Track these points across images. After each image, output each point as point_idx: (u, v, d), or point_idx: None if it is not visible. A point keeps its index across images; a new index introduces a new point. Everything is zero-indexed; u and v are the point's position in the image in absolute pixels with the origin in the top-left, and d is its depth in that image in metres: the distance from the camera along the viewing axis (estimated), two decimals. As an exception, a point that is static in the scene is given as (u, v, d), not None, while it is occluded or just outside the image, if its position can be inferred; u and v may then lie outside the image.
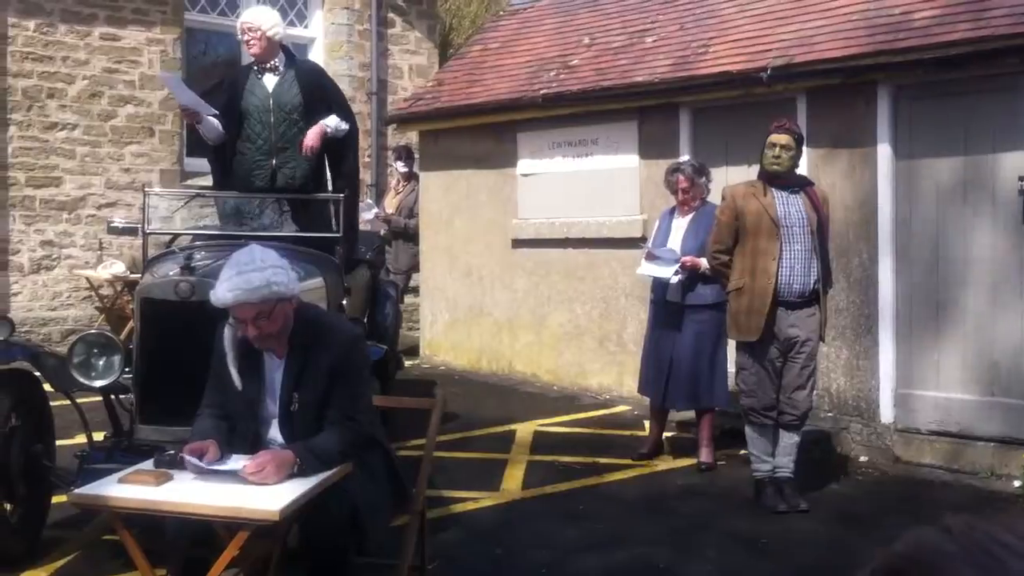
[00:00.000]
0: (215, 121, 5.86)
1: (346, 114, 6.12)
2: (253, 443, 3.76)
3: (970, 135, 6.74)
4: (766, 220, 5.71)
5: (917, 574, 0.60)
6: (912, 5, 7.08)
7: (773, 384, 5.80)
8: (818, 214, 5.76)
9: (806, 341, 5.76)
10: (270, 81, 5.94)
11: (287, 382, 3.75)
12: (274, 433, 3.80)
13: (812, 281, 5.75)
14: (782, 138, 5.74)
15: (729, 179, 7.23)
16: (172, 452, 3.67)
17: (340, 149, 6.13)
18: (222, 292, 3.59)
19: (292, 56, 6.14)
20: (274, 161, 5.87)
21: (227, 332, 3.77)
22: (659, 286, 6.74)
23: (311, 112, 5.91)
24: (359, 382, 3.82)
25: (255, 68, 5.98)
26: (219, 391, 3.84)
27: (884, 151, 7.09)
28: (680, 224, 6.74)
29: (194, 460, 3.50)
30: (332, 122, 5.92)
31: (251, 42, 5.88)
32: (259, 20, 5.88)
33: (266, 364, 3.80)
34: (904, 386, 7.06)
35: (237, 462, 3.54)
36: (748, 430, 5.96)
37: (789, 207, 5.75)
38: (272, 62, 5.93)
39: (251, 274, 3.56)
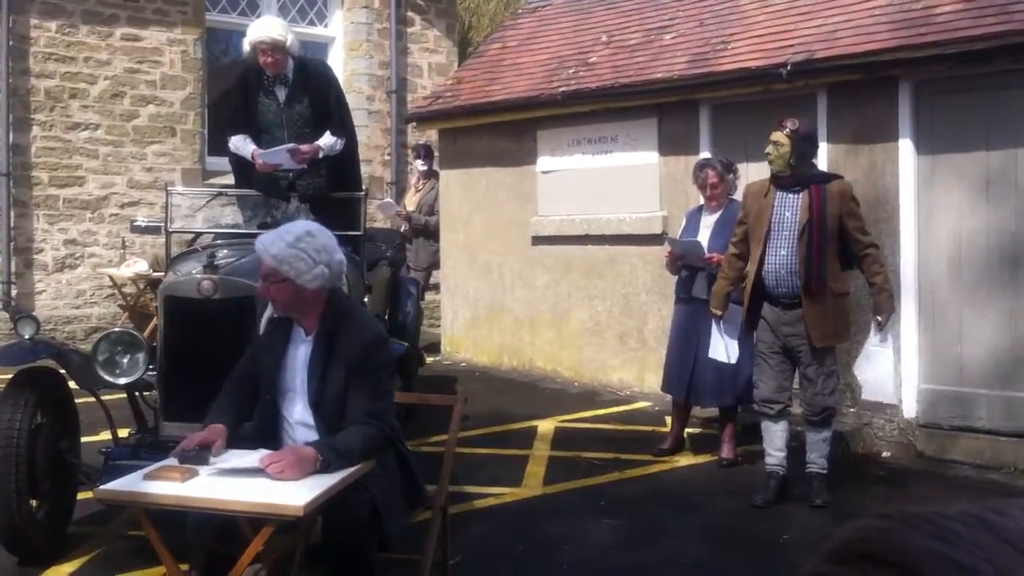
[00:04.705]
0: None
1: (344, 127, 6.06)
2: (271, 415, 3.84)
3: (992, 129, 6.70)
4: (760, 224, 5.73)
5: (875, 545, 0.64)
6: (934, -1, 7.05)
7: (777, 377, 5.82)
8: (812, 214, 5.59)
9: (801, 345, 5.73)
10: (280, 93, 5.88)
11: (316, 360, 3.79)
12: (290, 407, 3.84)
13: (798, 284, 5.67)
14: (776, 135, 5.68)
15: (749, 175, 7.20)
16: (196, 448, 3.70)
17: (341, 158, 6.10)
18: (260, 239, 3.81)
19: (297, 58, 5.96)
20: (291, 174, 5.89)
21: (269, 308, 4.03)
22: (683, 284, 6.74)
23: (321, 120, 5.91)
24: (384, 380, 3.84)
25: (266, 78, 5.86)
26: (247, 368, 3.95)
27: (906, 146, 7.06)
28: (708, 222, 6.72)
29: (204, 454, 3.58)
30: (326, 143, 5.88)
31: (273, 61, 5.72)
32: (280, 35, 5.69)
33: (293, 337, 3.87)
34: (927, 381, 7.03)
35: (257, 455, 3.56)
36: (761, 422, 5.99)
37: (784, 210, 5.70)
38: (283, 71, 5.84)
39: (281, 243, 3.69)
